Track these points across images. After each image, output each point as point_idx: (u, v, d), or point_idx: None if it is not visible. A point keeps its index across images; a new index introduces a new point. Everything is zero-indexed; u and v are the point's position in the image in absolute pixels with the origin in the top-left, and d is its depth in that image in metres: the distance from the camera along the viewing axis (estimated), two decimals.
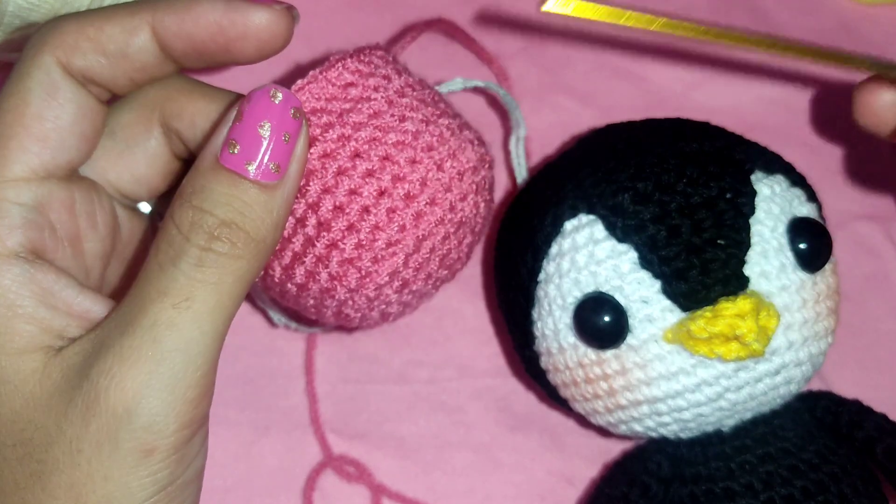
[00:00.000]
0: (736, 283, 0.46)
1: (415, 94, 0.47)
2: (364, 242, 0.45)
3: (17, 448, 0.39)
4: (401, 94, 0.47)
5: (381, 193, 0.45)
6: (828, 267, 0.49)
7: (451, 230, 0.47)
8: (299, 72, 0.62)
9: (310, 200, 0.45)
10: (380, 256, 0.45)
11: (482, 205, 0.49)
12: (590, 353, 0.48)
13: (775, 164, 0.50)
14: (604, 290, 0.47)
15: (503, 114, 0.61)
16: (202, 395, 0.39)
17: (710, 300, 0.46)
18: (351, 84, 0.46)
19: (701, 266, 0.46)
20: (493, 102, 0.62)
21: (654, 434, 0.50)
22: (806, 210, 0.49)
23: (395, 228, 0.45)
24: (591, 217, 0.48)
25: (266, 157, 0.40)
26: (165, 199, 0.44)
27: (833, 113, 0.63)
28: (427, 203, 0.46)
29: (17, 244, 0.40)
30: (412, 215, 0.45)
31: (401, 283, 0.47)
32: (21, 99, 0.40)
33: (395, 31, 0.63)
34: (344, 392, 0.58)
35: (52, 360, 0.39)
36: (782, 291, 0.47)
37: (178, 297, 0.38)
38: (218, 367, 0.56)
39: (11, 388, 0.39)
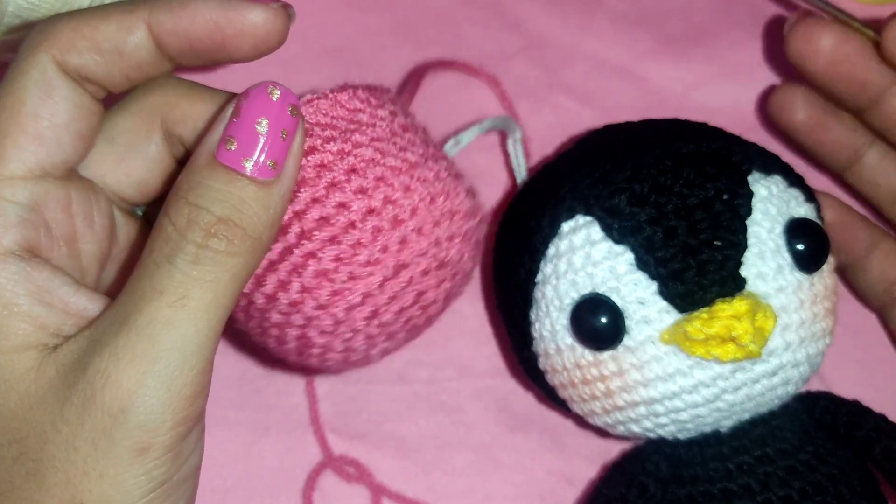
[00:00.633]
0: (732, 285, 0.46)
1: (418, 134, 0.48)
2: (343, 256, 0.44)
3: (12, 447, 0.39)
4: (404, 129, 0.47)
5: (370, 212, 0.44)
6: (825, 268, 0.49)
7: (433, 266, 0.46)
8: (298, 73, 0.62)
9: (297, 208, 0.44)
10: (357, 273, 0.45)
11: (467, 255, 0.48)
12: (587, 355, 0.48)
13: (773, 165, 0.50)
14: (600, 291, 0.47)
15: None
16: (198, 393, 0.39)
17: (707, 301, 0.46)
18: (359, 109, 0.46)
19: (697, 267, 0.46)
20: (492, 106, 0.62)
21: (651, 435, 0.50)
22: (804, 211, 0.49)
23: (378, 248, 0.45)
24: (588, 218, 0.48)
25: (263, 154, 0.40)
26: (157, 203, 0.44)
27: None
28: (413, 231, 0.45)
29: (12, 242, 0.40)
30: (397, 239, 0.45)
31: (372, 309, 0.46)
32: (17, 97, 0.40)
33: (395, 31, 0.63)
34: (344, 392, 0.58)
35: (47, 358, 0.39)
36: (779, 292, 0.47)
37: (174, 294, 0.38)
38: (219, 367, 0.56)
39: (6, 386, 0.39)
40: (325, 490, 0.56)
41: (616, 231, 0.47)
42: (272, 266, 0.45)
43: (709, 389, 0.47)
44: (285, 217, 0.44)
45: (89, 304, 0.41)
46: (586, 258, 0.48)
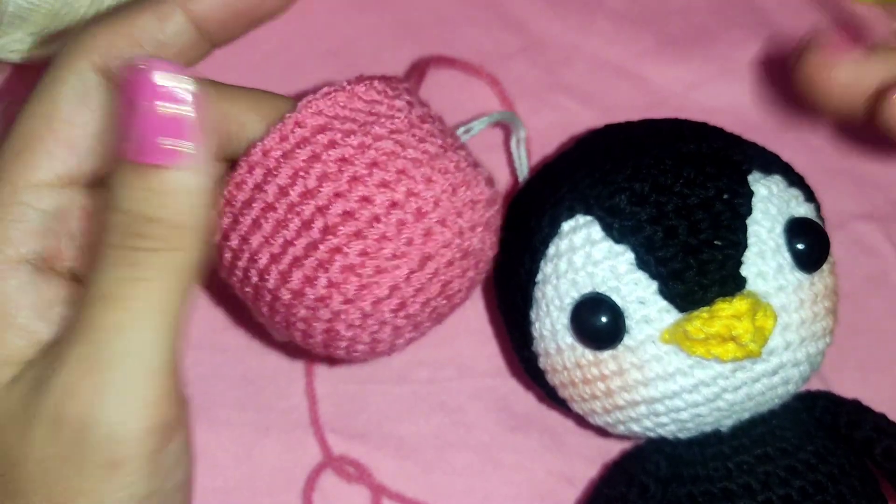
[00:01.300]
0: (733, 284, 0.46)
1: (435, 124, 0.47)
2: (370, 250, 0.44)
3: None
4: (422, 119, 0.47)
5: (394, 205, 0.44)
6: (826, 267, 0.49)
7: (457, 257, 0.46)
8: (299, 74, 0.62)
9: (319, 203, 0.44)
10: (383, 267, 0.45)
11: (489, 242, 0.48)
12: (587, 354, 0.48)
13: (773, 165, 0.50)
14: (601, 290, 0.47)
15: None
16: (163, 398, 0.37)
17: (707, 301, 0.46)
18: (376, 101, 0.46)
19: (698, 267, 0.46)
20: (492, 107, 0.62)
21: (652, 434, 0.50)
22: (804, 210, 0.49)
23: (403, 241, 0.44)
24: (588, 218, 0.48)
25: (157, 137, 0.36)
26: None
27: None
28: (437, 222, 0.45)
29: (29, 250, 0.40)
30: (421, 231, 0.45)
31: (399, 301, 0.46)
32: (52, 104, 0.40)
33: (395, 31, 0.63)
34: (344, 392, 0.58)
35: (20, 374, 0.38)
36: (779, 292, 0.47)
37: (117, 299, 0.37)
38: (219, 368, 0.57)
39: None
40: (325, 490, 0.56)
41: (616, 230, 0.47)
42: (297, 262, 0.45)
43: (709, 389, 0.47)
44: (308, 212, 0.44)
45: None
46: (586, 258, 0.48)
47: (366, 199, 0.44)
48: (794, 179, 0.50)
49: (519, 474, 0.57)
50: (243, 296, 0.48)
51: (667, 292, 0.46)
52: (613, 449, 0.57)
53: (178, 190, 0.37)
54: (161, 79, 0.36)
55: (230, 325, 0.58)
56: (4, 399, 0.38)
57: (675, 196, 0.46)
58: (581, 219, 0.48)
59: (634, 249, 0.47)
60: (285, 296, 0.46)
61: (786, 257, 0.47)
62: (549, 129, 0.62)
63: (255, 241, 0.45)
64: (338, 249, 0.44)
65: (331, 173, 0.44)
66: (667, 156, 0.48)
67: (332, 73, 0.61)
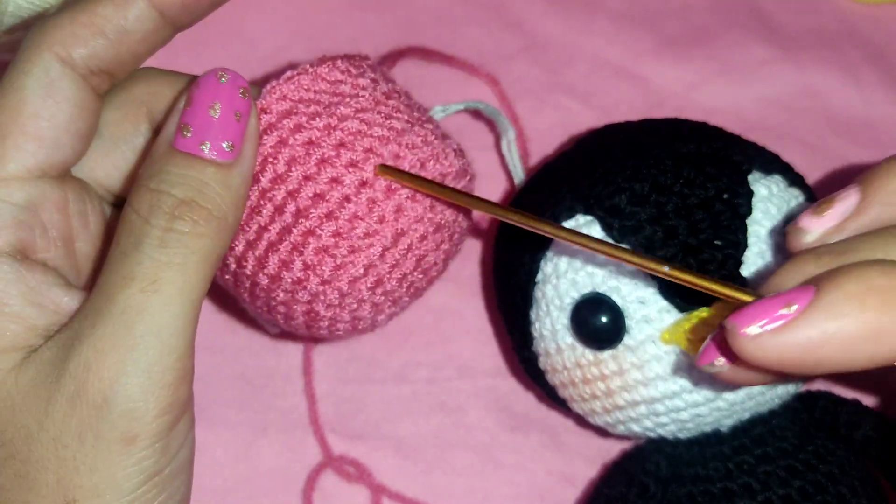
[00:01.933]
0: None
1: (401, 99, 0.48)
2: (342, 231, 0.45)
3: None
4: (388, 96, 0.47)
5: (363, 184, 0.45)
6: None
7: (430, 230, 0.47)
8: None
9: (290, 187, 0.45)
10: (357, 246, 0.45)
11: (461, 215, 0.49)
12: (587, 354, 0.48)
13: (773, 165, 0.50)
14: (601, 290, 0.47)
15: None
16: (180, 379, 0.39)
17: (707, 301, 0.46)
18: (340, 81, 0.46)
19: (697, 267, 0.46)
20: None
21: (652, 434, 0.50)
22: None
23: (375, 219, 0.45)
24: (589, 218, 0.48)
25: (219, 137, 0.40)
26: None
27: (833, 113, 0.63)
28: (408, 198, 0.45)
29: (6, 243, 0.40)
30: (392, 208, 0.45)
31: (375, 279, 0.46)
32: (18, 97, 0.40)
33: (395, 31, 0.63)
34: (343, 392, 0.58)
35: (28, 358, 0.39)
36: None
37: (144, 280, 0.38)
38: (218, 367, 0.57)
39: None
40: (325, 490, 0.56)
41: (616, 230, 0.47)
42: (273, 247, 0.45)
43: (709, 388, 0.47)
44: (280, 197, 0.45)
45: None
46: (587, 257, 0.48)
47: (335, 181, 0.45)
48: (794, 179, 0.50)
49: (519, 474, 0.57)
50: (224, 284, 0.48)
51: (667, 292, 0.46)
52: (613, 449, 0.57)
53: (222, 182, 0.40)
54: (237, 90, 0.41)
55: (229, 325, 0.58)
56: (16, 382, 0.39)
57: (675, 196, 0.46)
58: (581, 218, 0.48)
59: (634, 249, 0.47)
60: (263, 281, 0.46)
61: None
62: (548, 129, 0.62)
63: None
64: (311, 232, 0.45)
65: (299, 157, 0.45)
66: (667, 156, 0.48)
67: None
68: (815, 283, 0.35)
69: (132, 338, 0.38)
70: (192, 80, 0.44)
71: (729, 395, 0.47)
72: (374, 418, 0.57)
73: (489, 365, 0.59)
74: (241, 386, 0.57)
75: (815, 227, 0.41)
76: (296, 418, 0.57)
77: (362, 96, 0.46)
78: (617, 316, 0.47)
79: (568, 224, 0.49)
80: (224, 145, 0.40)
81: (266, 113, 0.45)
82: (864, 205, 0.40)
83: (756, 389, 0.48)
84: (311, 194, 0.44)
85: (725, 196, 0.47)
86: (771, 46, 0.64)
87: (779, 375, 0.38)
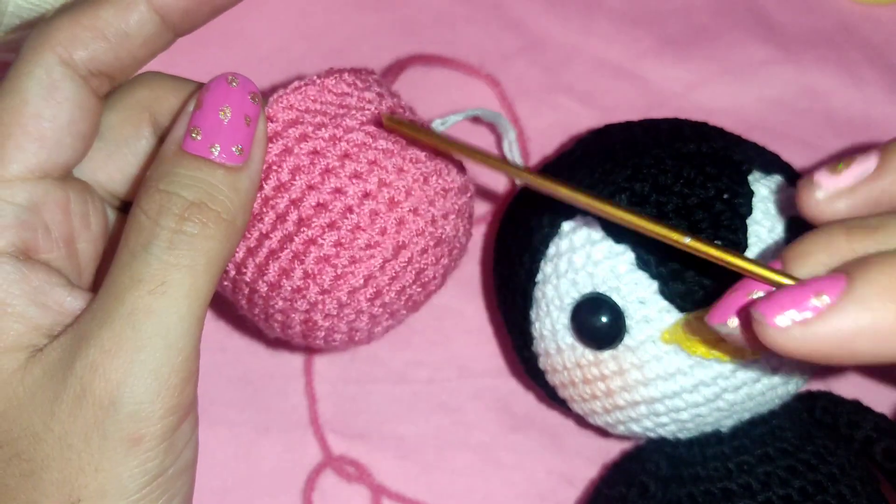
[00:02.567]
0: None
1: (406, 114, 0.48)
2: (343, 241, 0.45)
3: (3, 449, 0.39)
4: (392, 110, 0.47)
5: (366, 195, 0.45)
6: None
7: (431, 244, 0.47)
8: (299, 74, 0.62)
9: (293, 196, 0.45)
10: (357, 257, 0.45)
11: (462, 229, 0.49)
12: (587, 354, 0.48)
13: (773, 165, 0.50)
14: (601, 290, 0.47)
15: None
16: (186, 380, 0.39)
17: (708, 301, 0.46)
18: (346, 93, 0.47)
19: (698, 267, 0.46)
20: (491, 106, 0.62)
21: (652, 434, 0.50)
22: None
23: (377, 230, 0.45)
24: (589, 218, 0.48)
25: (229, 140, 0.41)
26: None
27: (833, 113, 0.63)
28: (410, 211, 0.45)
29: (8, 244, 0.40)
30: (394, 220, 0.45)
31: (374, 290, 0.46)
32: (20, 98, 0.40)
33: (395, 31, 0.63)
34: (344, 392, 0.58)
35: (33, 358, 0.39)
36: None
37: (152, 282, 0.38)
38: (219, 368, 0.57)
39: None
40: (325, 490, 0.56)
41: (616, 230, 0.47)
42: (273, 254, 0.45)
43: (709, 388, 0.47)
44: (282, 205, 0.45)
45: (84, 304, 0.41)
46: (587, 257, 0.48)
47: (338, 191, 0.45)
48: (795, 179, 0.50)
49: (519, 474, 0.57)
50: (222, 290, 0.49)
51: (667, 292, 0.46)
52: (613, 449, 0.57)
53: (231, 185, 0.40)
54: (247, 94, 0.41)
55: (229, 325, 0.58)
56: (22, 381, 0.39)
57: (675, 196, 0.46)
58: (581, 219, 0.48)
59: (635, 249, 0.47)
60: (262, 288, 0.46)
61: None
62: (549, 129, 0.62)
63: None
64: (312, 241, 0.45)
65: (303, 166, 0.45)
66: (667, 156, 0.48)
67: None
68: (847, 272, 0.35)
69: (140, 339, 0.38)
70: (197, 85, 0.45)
71: (729, 396, 0.47)
72: (375, 418, 0.57)
73: (489, 365, 0.59)
74: (242, 386, 0.57)
75: (829, 185, 0.40)
76: (296, 418, 0.57)
77: (367, 109, 0.46)
78: (617, 316, 0.47)
79: (568, 224, 0.49)
80: (234, 149, 0.41)
81: (272, 121, 0.45)
82: (881, 171, 0.40)
83: (756, 390, 0.48)
84: (313, 203, 0.45)
85: (726, 196, 0.47)
86: (771, 46, 0.64)
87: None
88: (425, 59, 0.61)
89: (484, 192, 0.60)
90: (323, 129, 0.45)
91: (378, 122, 0.46)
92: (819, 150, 0.62)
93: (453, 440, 0.57)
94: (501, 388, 0.58)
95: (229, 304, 0.50)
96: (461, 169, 0.49)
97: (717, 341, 0.45)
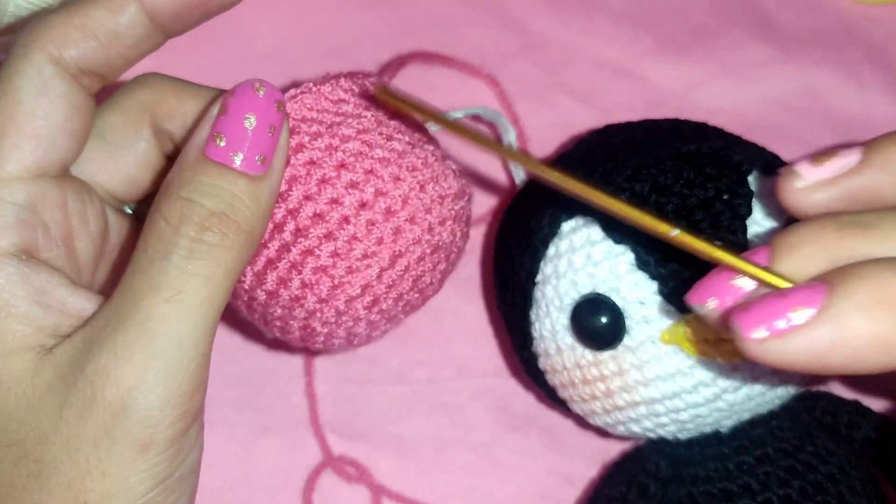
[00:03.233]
0: None
1: (403, 120, 0.48)
2: (340, 251, 0.45)
3: (11, 449, 0.39)
4: (390, 116, 0.47)
5: (363, 205, 0.45)
6: None
7: (427, 252, 0.47)
8: (299, 74, 0.62)
9: (290, 206, 0.45)
10: (354, 267, 0.45)
11: (459, 234, 0.49)
12: (587, 355, 0.48)
13: (773, 165, 0.50)
14: (601, 291, 0.47)
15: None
16: (196, 388, 0.39)
17: None
18: (343, 100, 0.47)
19: (698, 267, 0.46)
20: (491, 107, 0.62)
21: (652, 435, 0.50)
22: None
23: (373, 240, 0.45)
24: (588, 218, 0.48)
25: (252, 149, 0.40)
26: (147, 201, 0.44)
27: (833, 113, 0.63)
28: (406, 220, 0.46)
29: (10, 244, 0.40)
30: (391, 230, 0.45)
31: (372, 299, 0.46)
32: (13, 97, 0.40)
33: (395, 31, 0.63)
34: (344, 392, 0.58)
35: (43, 359, 0.39)
36: None
37: (169, 290, 0.38)
38: (218, 367, 0.57)
39: (3, 388, 0.39)
40: (325, 490, 0.56)
41: (616, 231, 0.47)
42: (272, 264, 0.45)
43: (709, 389, 0.47)
44: (280, 215, 0.45)
45: (86, 304, 0.41)
46: (587, 258, 0.48)
47: (335, 201, 0.45)
48: None
49: (519, 474, 0.57)
50: None
51: (667, 293, 0.46)
52: (613, 449, 0.57)
53: (252, 195, 0.40)
54: (273, 103, 0.41)
55: (229, 325, 0.58)
56: (31, 382, 0.39)
57: (675, 196, 0.46)
58: (581, 219, 0.48)
59: (634, 250, 0.47)
60: (261, 296, 0.47)
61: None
62: (548, 129, 0.62)
63: None
64: (309, 251, 0.45)
65: (300, 176, 0.45)
66: (667, 156, 0.48)
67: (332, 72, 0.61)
68: (827, 281, 0.35)
69: (153, 347, 0.38)
70: (200, 88, 0.45)
71: (728, 396, 0.47)
72: (375, 418, 0.57)
73: (489, 365, 0.59)
74: (242, 386, 0.57)
75: (810, 175, 0.40)
76: (296, 418, 0.57)
77: (364, 116, 0.46)
78: (617, 316, 0.47)
79: (568, 225, 0.49)
80: (256, 158, 0.40)
81: None
82: (863, 166, 0.39)
83: (756, 390, 0.48)
84: (310, 214, 0.45)
85: (725, 196, 0.46)
86: (771, 46, 0.64)
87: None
88: (425, 57, 0.61)
89: (484, 193, 0.60)
90: (319, 138, 0.45)
91: (371, 97, 0.46)
92: (819, 150, 0.61)
93: (453, 440, 0.57)
94: (501, 388, 0.58)
95: (230, 307, 0.50)
96: (458, 174, 0.48)
97: (717, 342, 0.45)
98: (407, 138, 0.47)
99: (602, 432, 0.54)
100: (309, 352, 0.58)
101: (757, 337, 0.35)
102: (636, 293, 0.47)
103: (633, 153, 0.49)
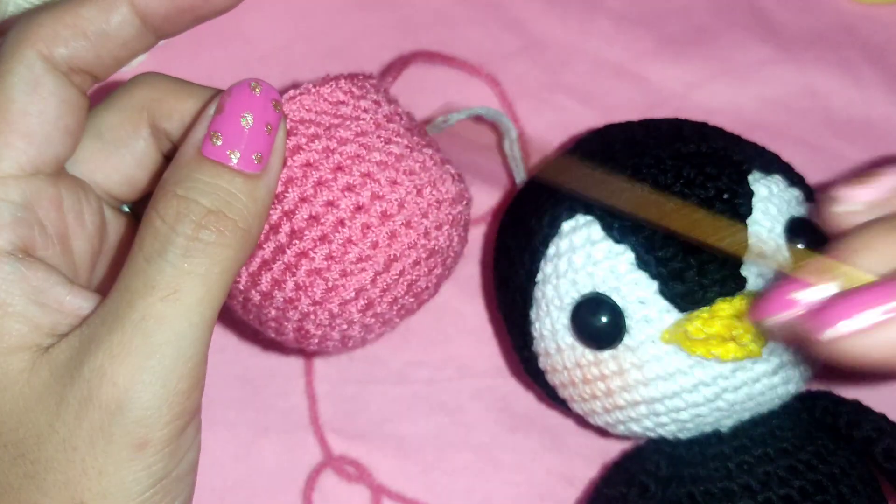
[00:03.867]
0: (733, 284, 0.46)
1: (402, 122, 0.48)
2: (335, 254, 0.45)
3: (8, 448, 0.39)
4: (389, 119, 0.47)
5: (359, 208, 0.45)
6: None
7: (423, 256, 0.47)
8: (299, 74, 0.62)
9: (286, 207, 0.45)
10: (349, 270, 0.45)
11: (456, 239, 0.49)
12: (587, 354, 0.48)
13: (773, 165, 0.50)
14: (601, 290, 0.47)
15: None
16: (193, 387, 0.39)
17: (708, 301, 0.46)
18: (342, 102, 0.47)
19: (698, 267, 0.46)
20: (491, 106, 0.62)
21: (652, 434, 0.50)
22: (803, 210, 0.49)
23: (368, 244, 0.45)
24: (589, 218, 0.48)
25: (249, 148, 0.40)
26: (146, 200, 0.44)
27: (833, 113, 0.63)
28: (402, 224, 0.45)
29: (6, 242, 0.40)
30: (386, 234, 0.45)
31: (366, 302, 0.46)
32: (5, 96, 0.40)
33: (395, 31, 0.63)
34: (344, 392, 0.58)
35: (40, 358, 0.39)
36: None
37: (166, 289, 0.38)
38: (218, 367, 0.57)
39: (0, 388, 0.39)
40: (325, 490, 0.56)
41: (616, 230, 0.47)
42: (266, 265, 0.45)
43: (709, 388, 0.47)
44: (275, 216, 0.45)
45: (84, 303, 0.40)
46: (587, 257, 0.48)
47: (331, 204, 0.45)
48: (795, 179, 0.50)
49: (519, 474, 0.57)
50: None
51: (667, 292, 0.46)
52: (613, 449, 0.57)
53: (249, 194, 0.40)
54: (269, 101, 0.41)
55: (229, 325, 0.58)
56: (28, 382, 0.39)
57: (675, 196, 0.46)
58: (581, 218, 0.48)
59: (634, 249, 0.47)
60: (255, 297, 0.47)
61: (786, 257, 0.47)
62: (548, 129, 0.62)
63: None
64: (304, 254, 0.45)
65: (296, 178, 0.45)
66: (667, 156, 0.48)
67: (332, 73, 0.61)
68: None
69: (150, 346, 0.38)
70: (198, 87, 0.44)
71: (729, 396, 0.47)
72: (375, 418, 0.57)
73: (489, 365, 0.59)
74: (242, 386, 0.57)
75: (863, 196, 0.39)
76: (296, 418, 0.57)
77: (363, 119, 0.46)
78: (617, 316, 0.47)
79: (568, 224, 0.49)
80: (253, 156, 0.40)
81: None
82: None
83: (756, 389, 0.48)
84: (306, 216, 0.45)
85: (725, 196, 0.46)
86: (771, 46, 0.64)
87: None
88: (427, 56, 0.61)
89: (484, 192, 0.60)
90: (316, 140, 0.45)
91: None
92: (819, 149, 0.62)
93: (453, 440, 0.57)
94: (501, 388, 0.58)
95: (226, 307, 0.50)
96: (457, 178, 0.48)
97: (717, 341, 0.46)
98: (405, 142, 0.47)
99: (602, 432, 0.54)
100: (304, 354, 0.58)
101: (840, 331, 0.35)
102: (636, 292, 0.47)
103: (633, 153, 0.49)
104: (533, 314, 0.50)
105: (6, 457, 0.39)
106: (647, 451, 0.52)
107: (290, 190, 0.45)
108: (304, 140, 0.45)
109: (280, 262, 0.45)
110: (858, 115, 0.62)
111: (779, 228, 0.48)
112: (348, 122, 0.46)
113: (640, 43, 0.64)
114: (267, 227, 0.45)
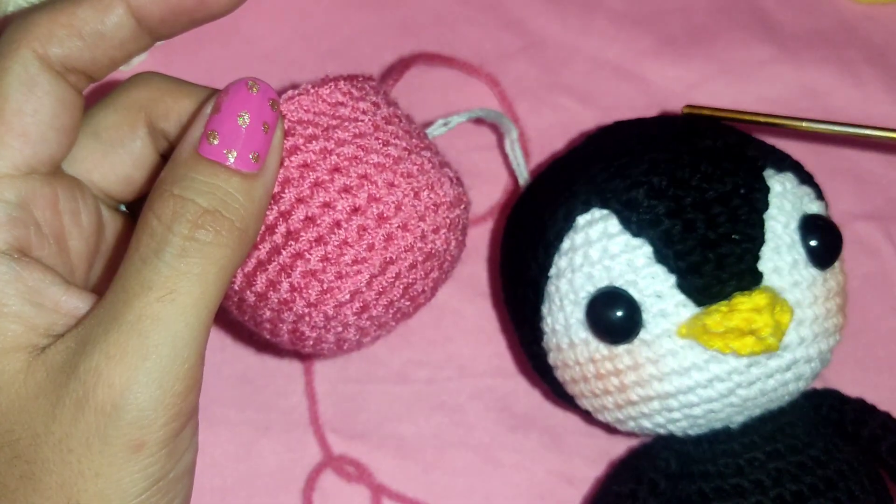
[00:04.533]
0: (750, 279, 0.46)
1: (401, 124, 0.47)
2: (330, 256, 0.45)
3: (4, 450, 0.39)
4: (387, 121, 0.47)
5: (355, 210, 0.45)
6: (837, 264, 0.49)
7: (420, 259, 0.47)
8: (299, 74, 0.62)
9: (282, 208, 0.45)
10: (344, 272, 0.45)
11: (453, 242, 0.48)
12: (602, 349, 0.48)
13: (784, 162, 0.50)
14: (617, 284, 0.47)
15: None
16: (190, 388, 0.39)
17: (725, 295, 0.46)
18: (341, 103, 0.46)
19: (716, 261, 0.46)
20: (491, 106, 0.62)
21: (661, 431, 0.50)
22: (816, 207, 0.49)
23: (364, 246, 0.45)
24: (605, 212, 0.48)
25: (246, 147, 0.40)
26: (143, 200, 0.44)
27: (833, 113, 0.63)
28: (399, 227, 0.45)
29: (1, 242, 0.39)
30: (383, 236, 0.45)
31: (361, 305, 0.46)
32: (0, 95, 0.40)
33: (395, 31, 0.63)
34: (344, 392, 0.58)
35: (36, 359, 0.39)
36: (794, 287, 0.47)
37: (162, 289, 0.38)
38: (218, 367, 0.56)
39: None
40: (325, 490, 0.56)
41: (635, 224, 0.47)
42: (262, 266, 0.45)
43: (724, 384, 0.47)
44: (271, 217, 0.45)
45: (80, 303, 0.40)
46: (603, 251, 0.48)
47: (327, 205, 0.44)
48: (805, 177, 0.50)
49: (519, 474, 0.57)
50: None
51: (685, 286, 0.46)
52: (614, 449, 0.57)
53: (246, 193, 0.40)
54: (266, 101, 0.41)
55: (229, 325, 0.58)
56: (24, 383, 0.38)
57: (693, 190, 0.47)
58: (597, 212, 0.48)
59: (652, 243, 0.47)
60: (250, 298, 0.46)
61: (800, 253, 0.48)
62: (549, 129, 0.62)
63: None
64: (300, 255, 0.45)
65: (293, 179, 0.45)
66: (684, 150, 0.48)
67: (331, 74, 0.61)
68: None
69: (146, 347, 0.38)
70: (195, 87, 0.44)
71: (742, 391, 0.48)
72: (375, 418, 0.57)
73: (489, 365, 0.59)
74: (242, 386, 0.57)
75: None
76: (296, 418, 0.57)
77: (361, 121, 0.46)
78: (633, 310, 0.47)
79: (583, 218, 0.49)
80: (250, 156, 0.40)
81: None
82: None
83: (769, 385, 0.48)
84: (302, 217, 0.44)
85: (743, 191, 0.47)
86: (771, 46, 0.64)
87: None
88: (428, 58, 0.61)
89: (485, 191, 0.60)
90: (314, 141, 0.45)
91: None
92: (819, 150, 0.62)
93: (453, 440, 0.57)
94: (501, 388, 0.58)
95: (222, 307, 0.50)
96: (456, 181, 0.48)
97: (735, 335, 0.46)
98: (404, 144, 0.46)
99: (608, 429, 0.54)
100: (300, 356, 0.57)
101: None
102: (654, 286, 0.47)
103: (650, 147, 0.49)
104: (545, 309, 0.50)
105: (2, 458, 0.39)
106: (657, 447, 0.52)
107: (286, 190, 0.44)
108: (301, 141, 0.45)
109: (275, 262, 0.45)
110: (858, 115, 0.63)
111: (794, 224, 0.48)
112: (346, 124, 0.46)
113: (640, 43, 0.64)
114: (263, 227, 0.45)
